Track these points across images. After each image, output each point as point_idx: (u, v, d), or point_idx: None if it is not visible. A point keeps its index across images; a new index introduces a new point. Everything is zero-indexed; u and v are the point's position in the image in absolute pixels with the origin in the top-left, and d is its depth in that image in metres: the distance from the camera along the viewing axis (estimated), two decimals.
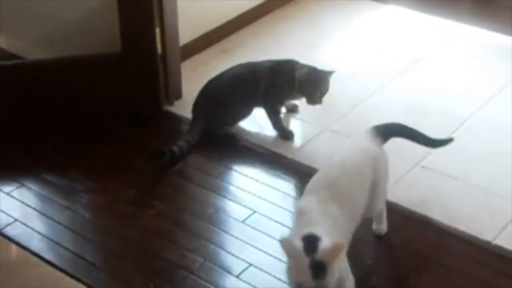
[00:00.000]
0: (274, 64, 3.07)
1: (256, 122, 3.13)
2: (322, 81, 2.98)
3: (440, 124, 3.07)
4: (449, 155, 2.90)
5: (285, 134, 3.06)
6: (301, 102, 3.13)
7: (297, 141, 3.07)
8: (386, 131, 2.54)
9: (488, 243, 2.52)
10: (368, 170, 2.37)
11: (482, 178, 2.81)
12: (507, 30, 3.66)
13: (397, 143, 2.95)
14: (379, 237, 2.58)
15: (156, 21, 3.05)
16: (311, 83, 2.97)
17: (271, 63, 3.09)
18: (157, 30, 3.07)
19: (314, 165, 2.85)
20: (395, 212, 2.66)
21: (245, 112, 3.11)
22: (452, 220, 2.61)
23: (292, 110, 3.19)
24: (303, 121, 3.17)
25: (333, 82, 3.17)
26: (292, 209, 2.74)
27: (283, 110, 3.15)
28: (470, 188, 2.77)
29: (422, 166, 2.88)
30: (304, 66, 3.01)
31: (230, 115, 3.11)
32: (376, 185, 2.40)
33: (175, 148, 2.94)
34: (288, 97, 3.11)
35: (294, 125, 3.12)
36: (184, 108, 3.23)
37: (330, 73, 2.99)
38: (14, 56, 3.31)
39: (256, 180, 2.88)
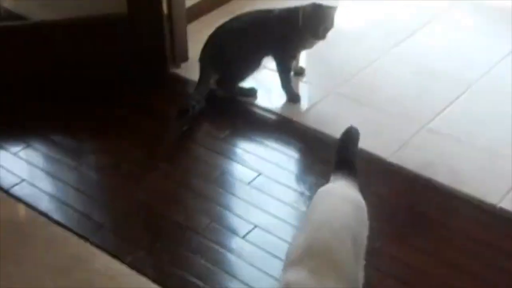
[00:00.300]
0: (283, 12, 3.05)
1: (263, 86, 3.13)
2: (325, 16, 2.95)
3: (447, 87, 3.09)
4: (456, 118, 2.93)
5: (292, 96, 3.06)
6: (308, 65, 3.14)
7: (304, 104, 3.08)
8: (349, 167, 2.15)
9: (493, 206, 2.54)
10: (354, 224, 2.00)
11: (488, 141, 2.82)
12: None
13: (404, 106, 2.99)
14: (384, 200, 2.59)
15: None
16: (314, 18, 2.94)
17: (280, 11, 3.06)
18: None
19: (321, 128, 2.89)
20: (400, 175, 2.69)
21: (255, 63, 3.09)
22: (457, 183, 2.62)
23: (299, 73, 3.19)
24: (310, 84, 3.18)
25: (338, 43, 3.18)
26: (297, 171, 2.78)
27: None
28: (476, 151, 2.78)
29: (429, 129, 2.88)
30: (308, 4, 2.98)
31: (239, 66, 3.09)
32: (359, 243, 2.00)
33: (193, 103, 2.96)
34: (298, 45, 3.07)
35: (301, 88, 3.13)
36: (190, 70, 3.22)
37: (333, 8, 2.97)
38: (18, 17, 3.29)
39: (262, 143, 2.89)
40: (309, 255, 1.84)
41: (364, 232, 2.04)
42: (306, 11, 2.96)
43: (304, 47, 3.12)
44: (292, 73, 3.15)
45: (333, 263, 1.84)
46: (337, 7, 2.98)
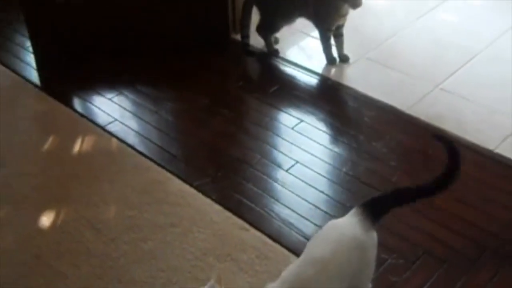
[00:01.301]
0: None
1: (307, 50, 3.13)
2: None
3: (457, 55, 3.05)
4: (463, 80, 2.90)
5: (331, 59, 3.03)
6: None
7: (340, 66, 3.05)
8: (376, 210, 1.81)
9: (490, 151, 2.53)
10: (353, 265, 1.75)
11: (489, 100, 2.79)
12: None
13: (421, 69, 2.96)
14: (401, 143, 2.60)
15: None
16: None
17: None
18: None
19: (353, 86, 2.88)
20: (415, 125, 2.68)
21: (289, 20, 3.04)
22: (462, 132, 2.61)
23: (344, 60, 3.05)
24: (345, 50, 3.15)
25: (369, 17, 3.15)
26: (332, 120, 2.78)
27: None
28: (478, 107, 2.75)
29: (441, 88, 2.86)
30: None
31: (275, 16, 3.03)
32: (358, 279, 1.79)
33: (246, 41, 3.06)
34: (335, 13, 2.90)
35: (336, 53, 3.11)
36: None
37: None
38: None
39: (304, 97, 2.88)
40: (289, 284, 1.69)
41: (366, 270, 1.81)
42: None
43: (339, 18, 2.92)
44: (336, 55, 3.04)
45: None
46: None
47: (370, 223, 1.78)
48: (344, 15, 2.92)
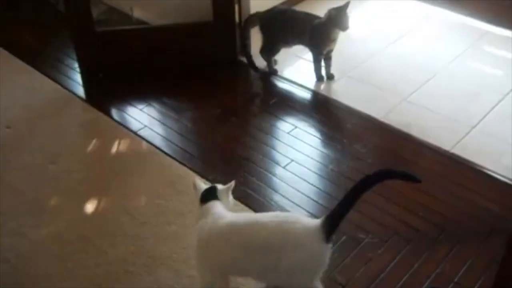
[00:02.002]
0: (311, 15, 2.90)
1: (299, 72, 3.09)
2: (346, 10, 2.79)
3: (421, 74, 3.04)
4: (426, 94, 2.89)
5: (319, 77, 3.00)
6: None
7: (326, 83, 3.03)
8: (332, 226, 1.62)
9: (447, 151, 2.53)
10: (288, 258, 1.60)
11: (446, 110, 2.78)
12: (468, 12, 3.54)
13: (392, 85, 2.94)
14: (376, 146, 2.59)
15: (235, 0, 3.01)
16: (338, 14, 2.78)
17: (308, 14, 2.91)
18: (236, 6, 3.03)
19: (337, 99, 2.87)
20: (387, 131, 2.67)
21: (288, 44, 2.99)
22: (425, 136, 2.61)
23: (331, 77, 3.00)
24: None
25: (350, 43, 3.13)
26: (320, 126, 2.76)
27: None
28: (438, 116, 2.75)
29: (408, 101, 2.85)
30: (329, 10, 2.81)
31: (275, 41, 2.98)
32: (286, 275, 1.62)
33: (250, 54, 3.02)
34: (327, 39, 2.87)
35: (324, 73, 3.07)
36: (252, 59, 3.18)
37: (346, 4, 2.80)
38: (143, 22, 3.31)
39: (298, 107, 2.87)
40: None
41: (298, 272, 1.62)
42: (332, 12, 2.79)
43: (330, 43, 2.88)
44: (324, 74, 3.00)
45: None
46: (349, 2, 2.80)
47: (325, 237, 1.61)
48: (334, 40, 2.89)
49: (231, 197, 1.82)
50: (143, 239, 2.15)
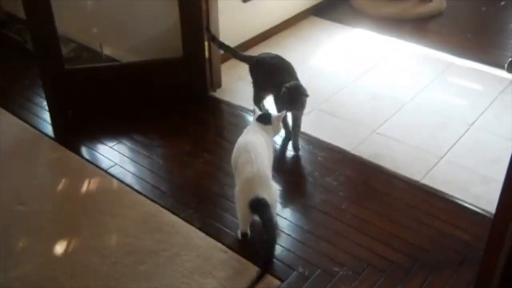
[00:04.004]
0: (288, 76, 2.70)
1: (272, 107, 3.12)
2: (301, 97, 2.62)
3: (389, 105, 3.10)
4: (395, 125, 2.95)
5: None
6: None
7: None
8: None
9: (417, 181, 2.57)
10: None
11: (415, 141, 2.83)
12: (433, 45, 3.66)
13: (361, 117, 2.99)
14: (348, 177, 2.62)
15: (205, 37, 3.04)
16: (293, 98, 2.60)
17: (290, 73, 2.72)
18: (206, 43, 3.06)
19: (307, 131, 2.87)
20: (358, 162, 2.70)
21: (268, 93, 2.85)
22: (395, 167, 2.65)
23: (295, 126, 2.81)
24: None
25: (319, 77, 3.16)
26: (291, 160, 2.81)
27: None
28: (407, 147, 2.80)
29: (377, 133, 2.90)
30: (290, 85, 2.60)
31: (259, 88, 2.87)
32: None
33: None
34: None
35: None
36: (223, 94, 3.22)
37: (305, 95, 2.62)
38: (113, 59, 3.32)
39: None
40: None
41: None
42: (287, 93, 2.57)
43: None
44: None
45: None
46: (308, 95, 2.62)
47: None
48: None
49: (281, 125, 2.55)
50: (114, 279, 2.12)
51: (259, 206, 2.15)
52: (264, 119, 2.49)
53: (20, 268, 2.18)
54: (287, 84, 2.59)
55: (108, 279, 2.12)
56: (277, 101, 2.72)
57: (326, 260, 2.17)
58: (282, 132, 2.81)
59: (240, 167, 2.27)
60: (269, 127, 2.48)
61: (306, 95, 2.60)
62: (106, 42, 3.30)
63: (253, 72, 2.92)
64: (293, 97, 2.59)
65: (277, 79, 2.69)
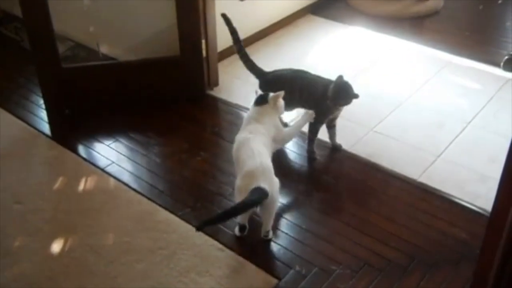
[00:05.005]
0: (322, 84, 2.61)
1: None
2: (349, 89, 2.58)
3: (386, 105, 3.09)
4: (392, 124, 2.95)
5: (310, 154, 2.73)
6: None
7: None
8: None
9: (414, 180, 2.57)
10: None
11: (412, 139, 2.83)
12: (430, 44, 3.66)
13: (359, 114, 2.97)
14: (346, 176, 2.62)
15: (202, 35, 3.04)
16: (341, 92, 2.57)
17: (324, 83, 2.61)
18: (203, 41, 3.06)
19: (303, 130, 2.87)
20: (356, 160, 2.70)
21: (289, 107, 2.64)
22: (392, 166, 2.65)
23: (337, 148, 2.78)
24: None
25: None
26: (288, 159, 2.81)
27: None
28: (404, 146, 2.80)
29: (375, 131, 2.90)
30: (336, 80, 2.57)
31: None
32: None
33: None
34: (327, 114, 2.64)
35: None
36: (220, 92, 3.21)
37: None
38: (110, 58, 3.31)
39: None
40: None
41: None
42: (335, 87, 2.54)
43: (332, 115, 2.66)
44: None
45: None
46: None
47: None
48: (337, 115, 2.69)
49: (282, 103, 2.49)
50: (111, 278, 2.11)
51: (257, 193, 2.09)
52: (261, 100, 2.46)
53: (16, 267, 2.17)
54: (338, 78, 2.54)
55: (104, 278, 2.11)
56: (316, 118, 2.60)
57: (323, 258, 2.18)
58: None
59: (242, 161, 2.24)
60: (266, 107, 2.44)
61: (356, 96, 2.55)
62: (103, 40, 3.28)
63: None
64: (343, 91, 2.53)
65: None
